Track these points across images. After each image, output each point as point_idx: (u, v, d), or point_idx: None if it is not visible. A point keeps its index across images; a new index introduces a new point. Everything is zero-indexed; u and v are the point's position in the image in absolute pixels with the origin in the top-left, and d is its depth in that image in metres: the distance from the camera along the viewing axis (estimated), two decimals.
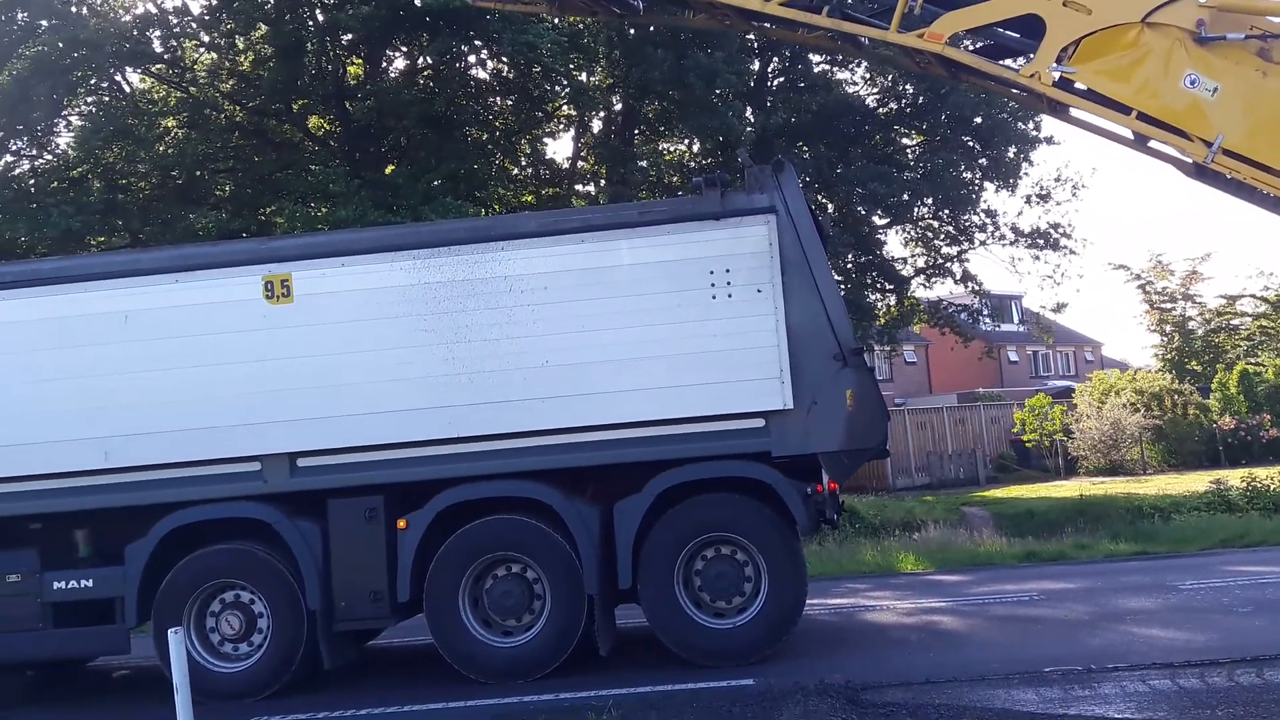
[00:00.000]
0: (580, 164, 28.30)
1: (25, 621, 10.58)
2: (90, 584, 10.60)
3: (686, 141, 28.71)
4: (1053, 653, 10.00)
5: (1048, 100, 9.38)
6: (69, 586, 10.59)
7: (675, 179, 27.78)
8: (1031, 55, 9.16)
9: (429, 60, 23.72)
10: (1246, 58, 8.57)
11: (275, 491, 10.49)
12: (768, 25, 10.62)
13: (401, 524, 10.31)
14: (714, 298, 10.26)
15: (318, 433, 10.37)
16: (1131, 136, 9.29)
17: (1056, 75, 8.97)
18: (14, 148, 23.42)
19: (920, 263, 31.48)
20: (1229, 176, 8.75)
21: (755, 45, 25.66)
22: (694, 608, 10.29)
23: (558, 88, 24.85)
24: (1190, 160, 8.91)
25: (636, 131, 27.83)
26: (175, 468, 10.46)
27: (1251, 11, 8.62)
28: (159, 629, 10.11)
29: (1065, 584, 14.63)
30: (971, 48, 10.04)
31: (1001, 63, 9.59)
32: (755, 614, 10.25)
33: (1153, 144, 9.24)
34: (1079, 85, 9.10)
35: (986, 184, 29.14)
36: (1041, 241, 29.87)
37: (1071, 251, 30.24)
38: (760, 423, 10.26)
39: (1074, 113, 9.50)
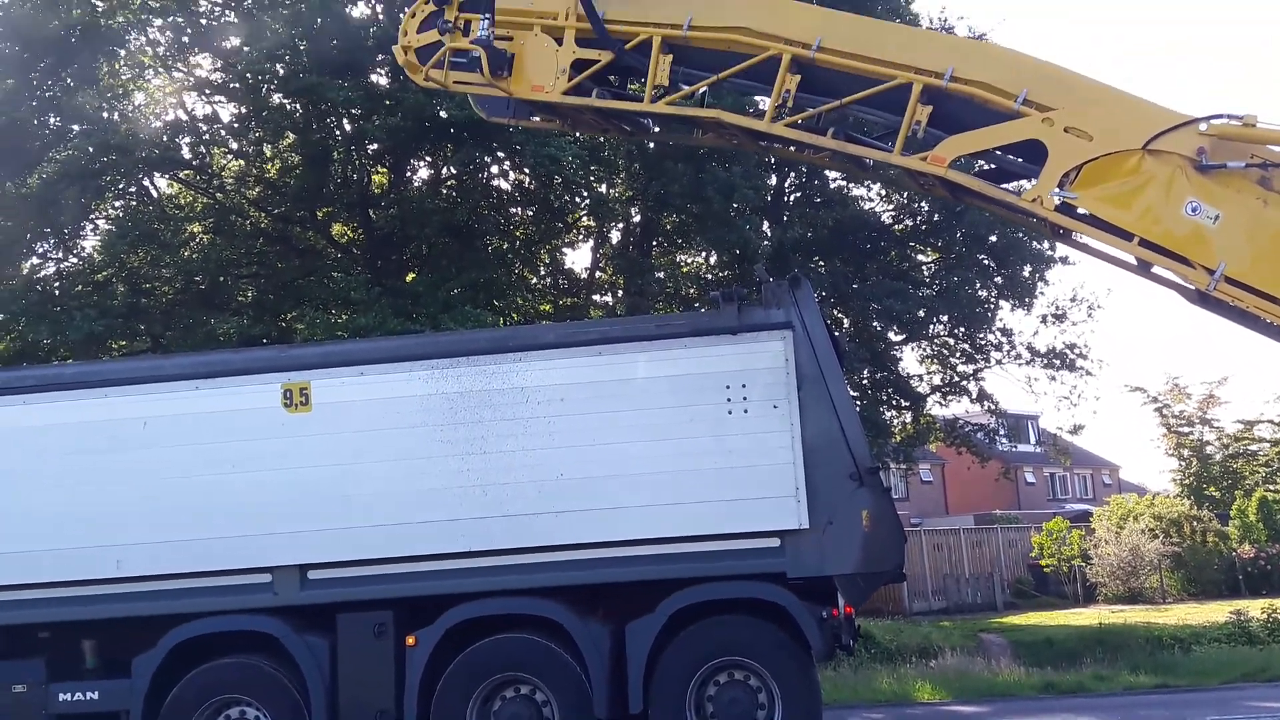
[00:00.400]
0: (598, 274, 28.52)
1: None
2: (96, 696, 10.43)
3: (704, 254, 28.95)
4: None
5: (1050, 225, 9.43)
6: (75, 699, 10.43)
7: (692, 291, 27.94)
8: (1034, 180, 9.24)
9: (452, 170, 24.09)
10: (1248, 186, 8.65)
11: (285, 605, 10.34)
12: (774, 145, 10.78)
13: (410, 640, 10.13)
14: (730, 413, 10.20)
15: (330, 544, 10.26)
16: (1135, 262, 9.32)
17: (1058, 200, 9.04)
18: (40, 250, 23.71)
19: (936, 380, 31.42)
20: (1232, 304, 8.74)
21: (772, 161, 26.02)
22: None
23: (578, 199, 25.17)
24: (1193, 287, 8.92)
25: (654, 243, 28.11)
26: (186, 578, 10.35)
27: (1252, 140, 8.70)
28: None
29: (1085, 718, 14.25)
30: (975, 171, 10.17)
31: (1004, 186, 9.69)
32: None
33: (1156, 270, 9.29)
34: (1081, 210, 9.14)
35: (1002, 302, 29.20)
36: (1058, 362, 29.80)
37: (1088, 373, 30.16)
38: (775, 542, 10.11)
39: (1077, 237, 9.56)
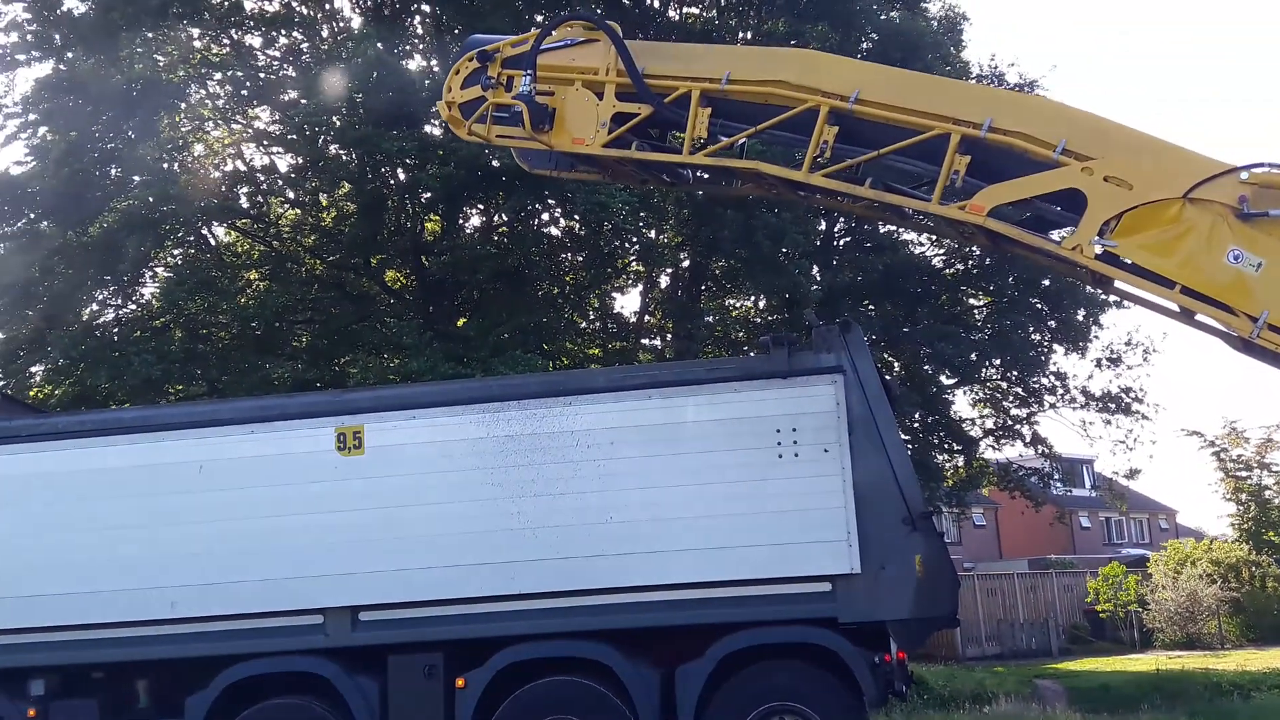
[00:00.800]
0: (647, 318, 28.62)
1: None
2: None
3: (753, 299, 28.97)
4: None
5: (1091, 273, 9.37)
6: None
7: (741, 335, 27.95)
8: (1073, 229, 9.20)
9: (504, 217, 24.35)
10: None
11: (336, 646, 10.43)
12: (813, 195, 10.83)
13: (460, 683, 10.18)
14: (780, 457, 10.20)
15: (381, 586, 10.36)
16: (1178, 309, 9.24)
17: (1099, 249, 8.99)
18: (100, 297, 24.19)
19: (989, 424, 31.12)
20: (1276, 351, 8.61)
21: (821, 207, 26.09)
22: None
23: (628, 244, 25.32)
24: (1237, 335, 8.82)
25: (704, 288, 28.16)
26: (239, 619, 10.49)
27: None
28: None
29: None
30: (1016, 220, 10.15)
31: (1045, 235, 9.65)
32: None
33: (1199, 317, 9.19)
34: (1124, 259, 9.08)
35: (1056, 346, 28.92)
36: (1113, 406, 29.42)
37: (1144, 416, 29.72)
38: (827, 587, 10.07)
39: (1119, 285, 9.50)
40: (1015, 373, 29.15)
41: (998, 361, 28.31)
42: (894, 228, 27.95)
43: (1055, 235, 9.59)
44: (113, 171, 22.56)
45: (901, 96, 9.62)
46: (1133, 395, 29.57)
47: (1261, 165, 8.66)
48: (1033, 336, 28.28)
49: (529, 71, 10.40)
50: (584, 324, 27.95)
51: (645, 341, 28.36)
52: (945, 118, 9.41)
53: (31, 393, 21.66)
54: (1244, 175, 8.63)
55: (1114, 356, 29.71)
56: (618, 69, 10.33)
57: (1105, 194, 8.94)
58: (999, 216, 9.46)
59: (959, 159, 9.35)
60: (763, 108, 10.04)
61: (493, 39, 10.88)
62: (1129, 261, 9.00)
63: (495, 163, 20.28)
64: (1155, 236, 8.83)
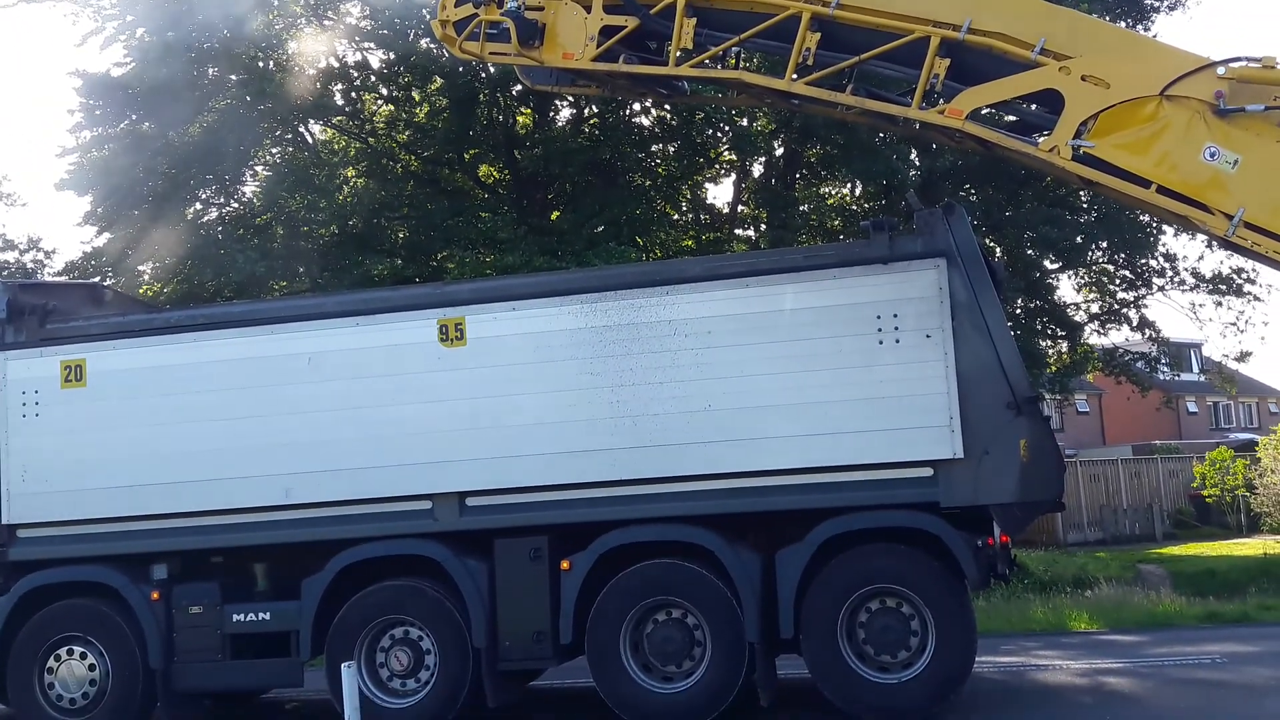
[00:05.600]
0: (741, 208, 28.31)
1: (206, 652, 11.03)
2: (268, 617, 10.98)
3: (849, 185, 28.43)
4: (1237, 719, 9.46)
5: (1073, 174, 9.15)
6: (247, 619, 11.00)
7: (837, 223, 27.52)
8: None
9: (594, 109, 24.16)
10: (1268, 129, 8.41)
11: (444, 530, 10.71)
12: (804, 103, 10.76)
13: (565, 565, 10.40)
14: (881, 343, 10.10)
15: (486, 473, 10.56)
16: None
17: (1076, 150, 8.86)
18: (203, 196, 24.69)
19: (1094, 309, 30.34)
20: (1251, 248, 8.51)
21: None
22: (858, 661, 10.06)
23: (720, 134, 24.99)
24: (1213, 232, 8.69)
25: (798, 176, 27.69)
26: (351, 505, 10.80)
27: (1272, 83, 8.41)
28: (332, 663, 10.41)
29: (1249, 647, 13.88)
30: (1000, 120, 10.08)
31: (1028, 137, 9.53)
32: (921, 670, 9.95)
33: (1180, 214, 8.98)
34: (1101, 159, 8.92)
35: (1165, 227, 27.99)
36: (1224, 287, 28.45)
37: (1256, 298, 28.69)
38: (929, 472, 10.01)
39: (1104, 184, 9.25)
40: (1123, 255, 28.28)
41: (1104, 244, 27.45)
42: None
43: (1040, 138, 9.42)
44: (210, 71, 22.80)
45: (882, 0, 9.52)
46: (1245, 276, 28.54)
47: (1239, 60, 8.53)
48: (1141, 217, 27.36)
49: None
50: (677, 215, 27.77)
51: (739, 232, 28.09)
52: (925, 20, 9.37)
53: (141, 290, 22.29)
54: (1221, 70, 8.51)
55: None
56: None
57: (1082, 93, 8.87)
58: (981, 119, 9.39)
59: (939, 62, 9.32)
60: (747, 15, 10.08)
61: None
62: (1106, 162, 8.86)
63: None
64: (1132, 135, 8.74)
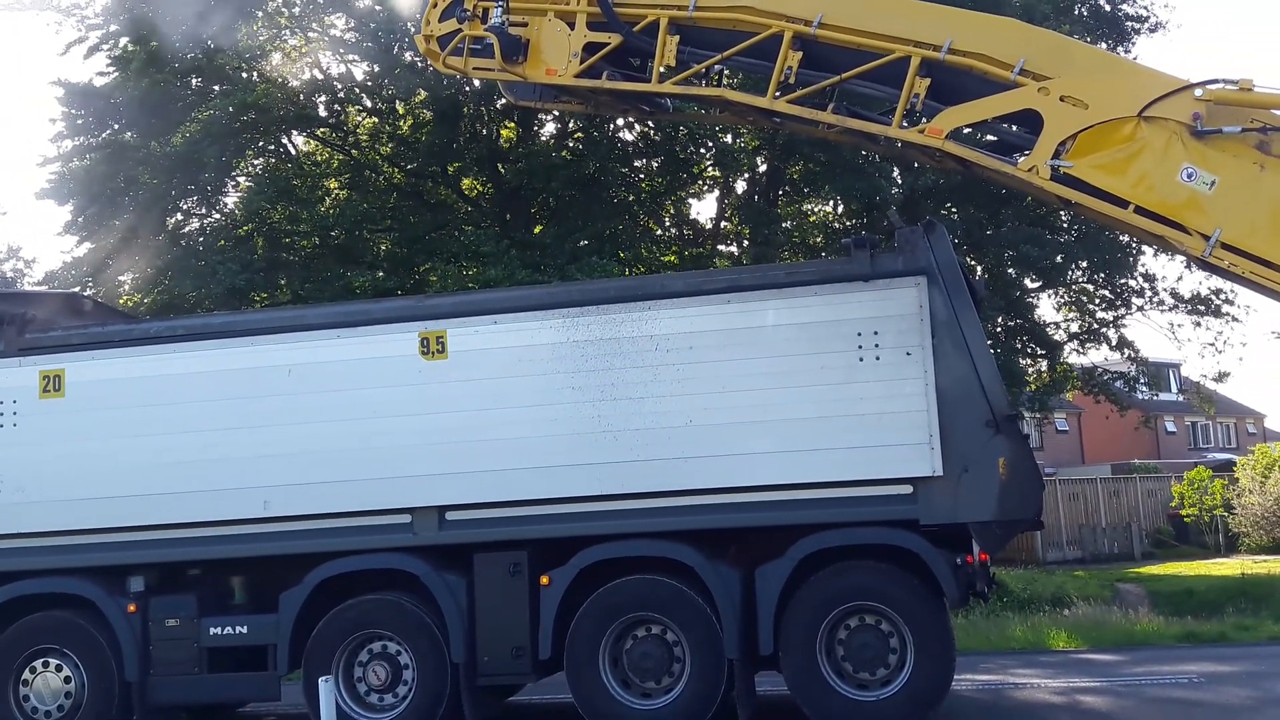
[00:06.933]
0: (724, 224, 28.39)
1: (182, 665, 10.95)
2: (245, 630, 10.92)
3: (831, 203, 28.54)
4: None
5: (1052, 194, 9.24)
6: (224, 632, 10.94)
7: (819, 240, 27.62)
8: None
9: (579, 124, 24.22)
10: (1245, 151, 8.49)
11: (424, 544, 10.68)
12: (786, 121, 10.84)
13: (544, 580, 10.38)
14: (861, 360, 10.12)
15: (466, 487, 10.54)
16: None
17: (1054, 170, 8.95)
18: (184, 206, 24.62)
19: (1074, 328, 30.53)
20: (1228, 269, 8.59)
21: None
22: (836, 678, 10.06)
23: (703, 150, 25.08)
24: (1191, 253, 8.79)
25: (781, 192, 27.79)
26: (329, 518, 10.75)
27: (1249, 105, 8.51)
28: (309, 677, 10.34)
29: (1226, 667, 13.93)
30: (980, 139, 10.21)
31: (1008, 158, 9.61)
32: (900, 687, 9.96)
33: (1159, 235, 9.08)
34: (1079, 179, 9.01)
35: (1145, 247, 28.17)
36: (1203, 307, 28.66)
37: (1234, 319, 28.92)
38: (908, 489, 10.03)
39: (1082, 205, 9.34)
40: (1102, 275, 28.46)
41: (1084, 264, 27.63)
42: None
43: (1019, 158, 9.52)
44: (193, 81, 22.77)
45: (863, 20, 9.65)
46: (1223, 297, 28.76)
47: (1216, 82, 8.61)
48: (1121, 237, 27.55)
49: (501, 2, 10.55)
50: (660, 231, 27.84)
51: (722, 248, 28.16)
52: (906, 40, 9.45)
53: (121, 300, 22.21)
54: (1199, 92, 8.60)
55: None
56: None
57: (1061, 114, 8.95)
58: (961, 139, 9.50)
59: (919, 82, 9.42)
60: (730, 34, 10.17)
61: None
62: (1085, 182, 8.95)
63: None
64: (1110, 156, 8.82)
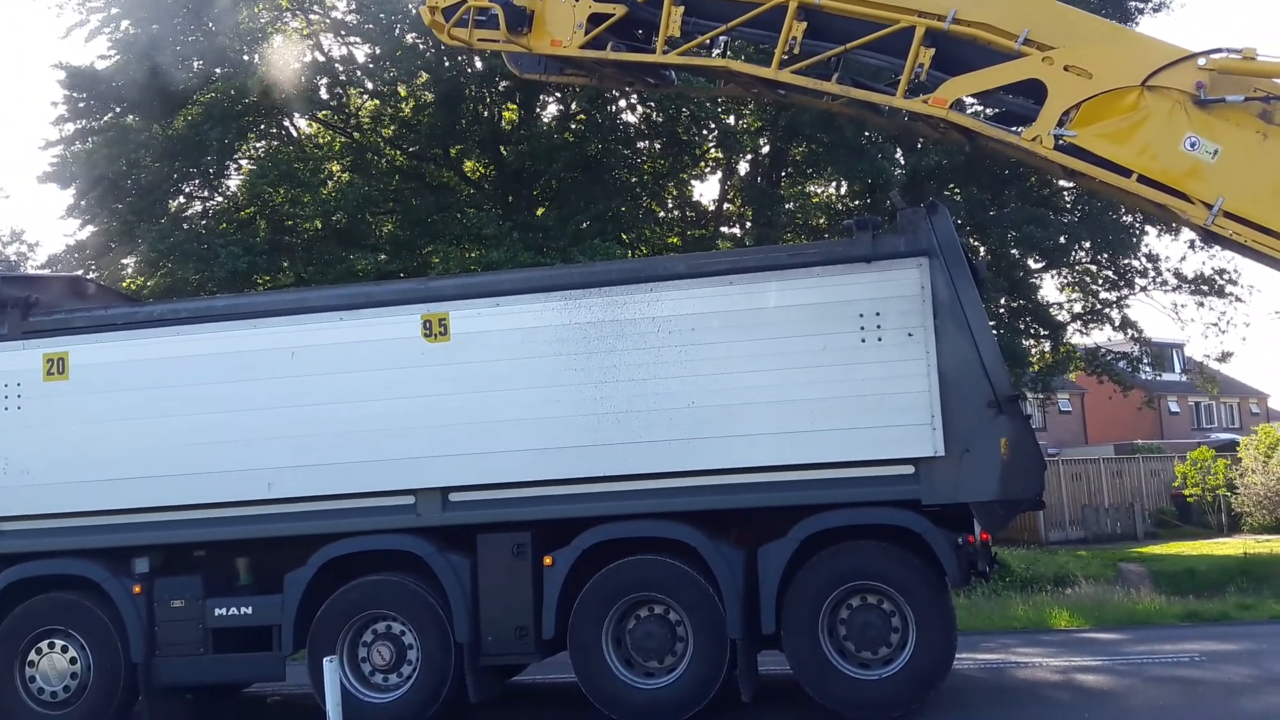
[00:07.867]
0: (726, 206, 28.35)
1: (188, 646, 11.00)
2: (250, 611, 10.96)
3: (834, 184, 28.49)
4: (1214, 717, 9.52)
5: (1056, 163, 9.24)
6: (229, 613, 10.98)
7: (822, 221, 27.58)
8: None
9: (581, 105, 24.18)
10: (1248, 120, 8.50)
11: (427, 525, 10.71)
12: (791, 93, 10.81)
13: (548, 561, 10.42)
14: (863, 341, 10.13)
15: (470, 468, 10.57)
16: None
17: (1058, 140, 8.95)
18: (187, 190, 24.61)
19: (1077, 308, 30.48)
20: (1231, 238, 8.60)
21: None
22: (838, 657, 10.11)
23: (706, 131, 25.03)
24: (1194, 222, 8.78)
25: (783, 174, 27.74)
26: (333, 499, 10.79)
27: (1252, 74, 8.51)
28: (314, 657, 10.41)
29: (1228, 645, 13.98)
30: (985, 114, 10.18)
31: (1011, 128, 9.59)
32: (901, 666, 10.02)
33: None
34: (1082, 148, 9.01)
35: (1148, 227, 28.11)
36: (1206, 288, 28.59)
37: (1237, 299, 28.86)
38: (910, 469, 10.05)
39: (1089, 176, 9.32)
40: (1105, 255, 28.39)
41: (1087, 244, 27.56)
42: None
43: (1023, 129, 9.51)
44: (195, 64, 22.74)
45: None
46: (1226, 277, 28.70)
47: (1220, 51, 8.62)
48: (1124, 218, 27.49)
49: None
50: (662, 213, 27.80)
51: (725, 229, 28.13)
52: (910, 10, 9.43)
53: (124, 284, 22.23)
54: (1202, 61, 8.60)
55: None
56: None
57: (1064, 83, 8.95)
58: (965, 110, 9.44)
59: (924, 52, 9.39)
60: (734, 4, 10.10)
61: None
62: (1088, 152, 8.94)
63: None
64: (1113, 125, 8.82)
